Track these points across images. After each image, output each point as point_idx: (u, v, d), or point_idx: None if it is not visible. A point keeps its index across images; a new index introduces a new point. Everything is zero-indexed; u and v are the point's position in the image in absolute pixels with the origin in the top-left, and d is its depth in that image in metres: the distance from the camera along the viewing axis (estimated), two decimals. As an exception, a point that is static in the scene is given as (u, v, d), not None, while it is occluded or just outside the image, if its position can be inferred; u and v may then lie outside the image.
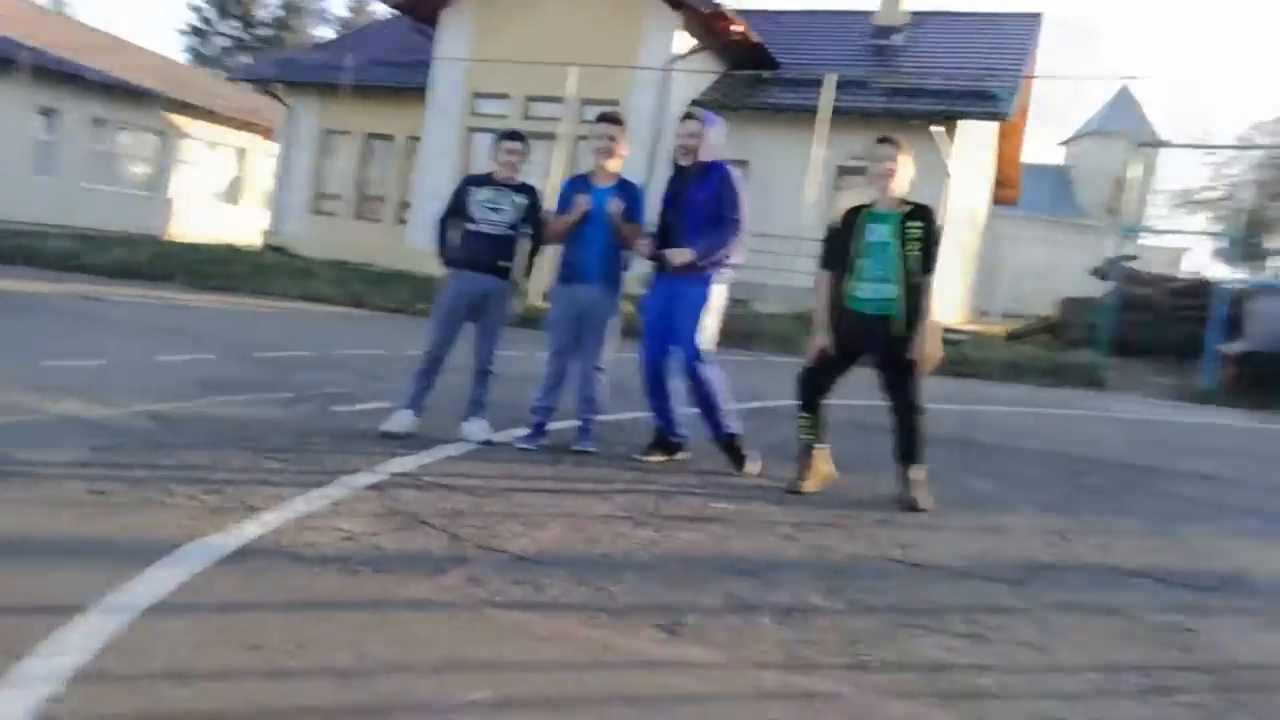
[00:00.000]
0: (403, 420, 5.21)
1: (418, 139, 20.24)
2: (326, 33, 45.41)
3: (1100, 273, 19.37)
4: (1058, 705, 2.62)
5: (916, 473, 4.77)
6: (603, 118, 5.38)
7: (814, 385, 4.92)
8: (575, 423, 5.38)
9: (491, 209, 5.30)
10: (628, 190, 5.29)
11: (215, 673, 2.35)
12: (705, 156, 5.11)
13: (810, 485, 4.81)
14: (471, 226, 5.30)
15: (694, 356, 5.04)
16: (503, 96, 18.86)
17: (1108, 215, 45.88)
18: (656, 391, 5.21)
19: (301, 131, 22.51)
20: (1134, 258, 21.20)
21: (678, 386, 5.20)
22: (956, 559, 3.93)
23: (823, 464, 4.93)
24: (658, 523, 4.02)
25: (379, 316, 13.09)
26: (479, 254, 5.28)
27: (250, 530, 3.37)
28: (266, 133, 26.27)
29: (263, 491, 3.86)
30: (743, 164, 14.92)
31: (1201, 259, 37.34)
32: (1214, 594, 3.79)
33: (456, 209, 5.37)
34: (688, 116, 5.20)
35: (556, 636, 2.76)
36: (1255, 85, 78.86)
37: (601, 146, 5.30)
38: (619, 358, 5.45)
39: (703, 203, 5.05)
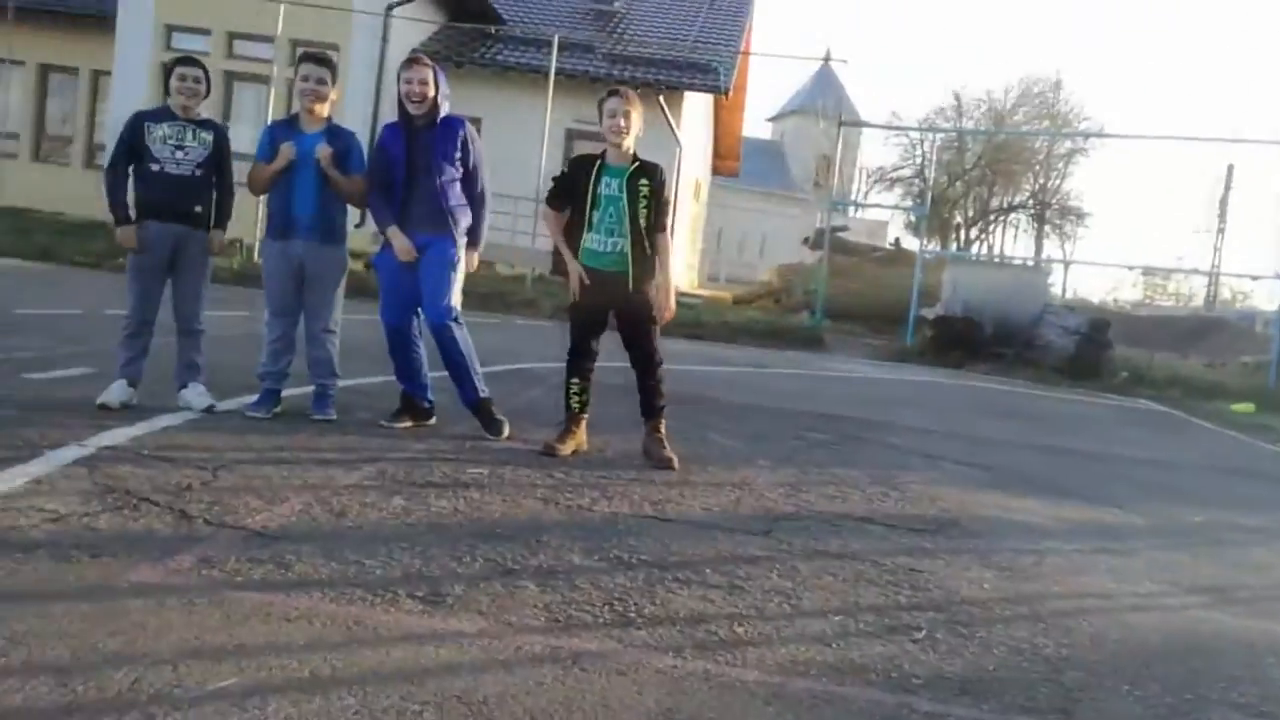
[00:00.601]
0: (118, 392, 4.67)
1: (106, 73, 18.27)
2: None
3: (812, 242, 20.77)
4: (810, 648, 2.75)
5: (661, 427, 4.87)
6: (306, 57, 4.95)
7: (583, 351, 4.89)
8: (310, 389, 5.05)
9: (175, 146, 4.71)
10: (340, 136, 4.90)
11: (-106, 686, 1.99)
12: (444, 109, 4.89)
13: (567, 449, 4.79)
14: (155, 167, 4.69)
15: (446, 317, 4.86)
16: (203, 32, 17.37)
17: (816, 189, 49.27)
18: (402, 355, 4.98)
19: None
20: (844, 228, 22.89)
21: (422, 349, 5.02)
22: (706, 512, 4.06)
23: (583, 430, 4.92)
24: (409, 490, 3.85)
25: (71, 271, 11.75)
26: (165, 199, 4.69)
27: (-69, 516, 2.90)
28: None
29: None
30: (476, 121, 14.64)
31: (899, 231, 40.97)
32: (934, 536, 4.14)
33: (132, 150, 4.72)
34: (413, 62, 4.87)
35: (306, 615, 2.56)
36: (937, 72, 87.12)
37: (307, 89, 4.85)
38: (350, 318, 5.16)
39: (448, 159, 4.84)
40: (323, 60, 4.93)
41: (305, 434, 4.64)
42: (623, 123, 4.72)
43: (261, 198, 5.28)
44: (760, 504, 4.33)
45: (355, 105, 15.82)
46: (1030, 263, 22.30)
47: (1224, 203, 39.38)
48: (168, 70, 4.84)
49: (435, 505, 3.70)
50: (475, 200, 4.98)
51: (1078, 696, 2.61)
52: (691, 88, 18.68)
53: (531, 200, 14.80)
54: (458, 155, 4.88)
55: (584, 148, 17.94)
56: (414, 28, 17.62)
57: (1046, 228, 49.35)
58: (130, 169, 4.76)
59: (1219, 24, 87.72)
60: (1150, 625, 3.32)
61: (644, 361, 4.88)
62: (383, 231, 4.90)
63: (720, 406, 7.08)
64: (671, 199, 4.83)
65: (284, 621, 2.51)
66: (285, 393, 5.00)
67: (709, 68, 18.43)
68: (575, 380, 4.90)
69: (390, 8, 16.81)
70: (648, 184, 4.74)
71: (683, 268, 22.57)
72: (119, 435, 4.12)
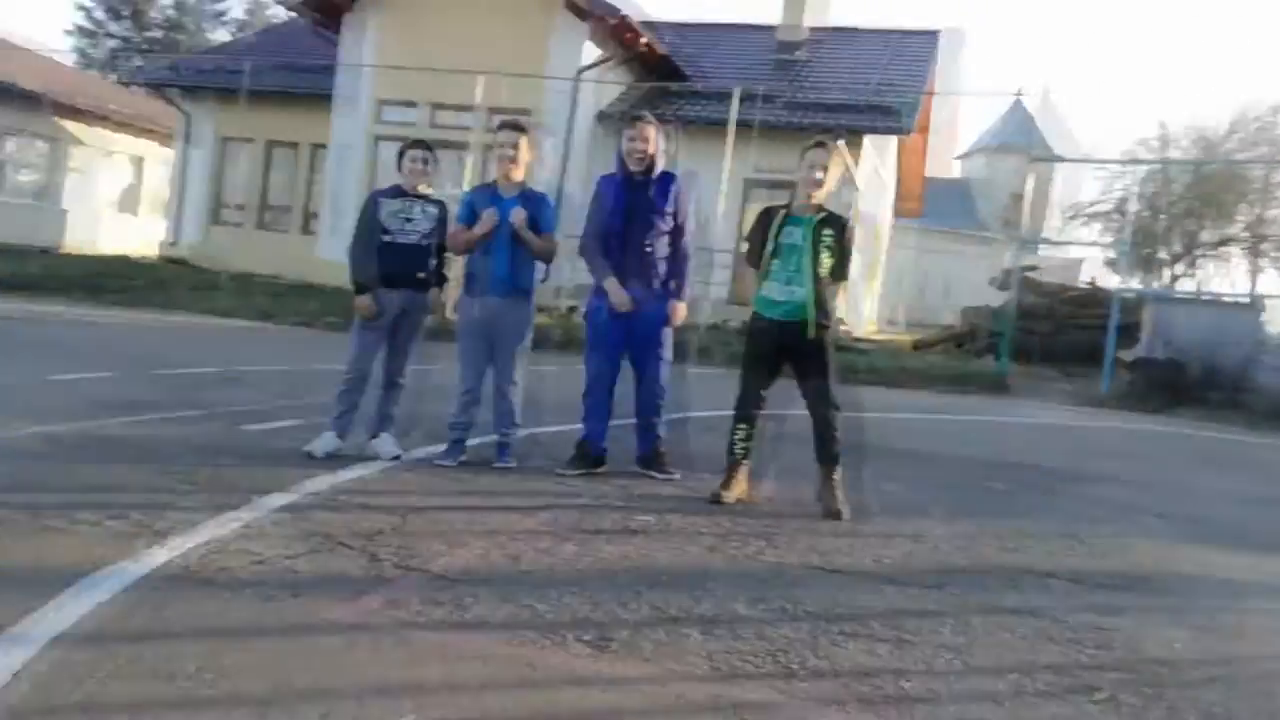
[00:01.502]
0: (327, 442, 5.07)
1: (322, 146, 19.83)
2: (222, 35, 44.12)
3: (1000, 283, 20.01)
4: (980, 707, 2.67)
5: (836, 474, 4.84)
6: (504, 124, 5.29)
7: (751, 399, 4.94)
8: (493, 438, 5.31)
9: (405, 219, 5.20)
10: (533, 200, 5.22)
11: (127, 705, 2.24)
12: (660, 164, 5.16)
13: (732, 496, 4.84)
14: (386, 238, 5.18)
15: (661, 372, 5.20)
16: (409, 104, 18.63)
17: (1006, 227, 47.48)
18: (599, 402, 5.23)
19: (199, 138, 21.82)
20: (1034, 268, 21.96)
21: (613, 399, 5.27)
22: (876, 564, 3.99)
23: (745, 477, 4.96)
24: (580, 537, 3.98)
25: (287, 331, 12.76)
26: (396, 266, 5.15)
27: (159, 556, 3.23)
28: (164, 139, 25.37)
29: (170, 515, 3.70)
30: (691, 174, 14.85)
31: (1097, 269, 38.86)
32: (1124, 593, 3.92)
33: (371, 225, 5.21)
34: (637, 120, 5.18)
35: (481, 655, 2.71)
36: (1139, 102, 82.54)
37: (504, 155, 5.20)
38: (537, 370, 5.41)
39: (662, 214, 5.12)
40: (517, 126, 5.27)
41: (486, 481, 4.88)
42: (819, 175, 4.78)
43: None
44: (934, 557, 4.22)
45: (545, 165, 16.52)
46: (1243, 299, 20.67)
47: None
48: (400, 152, 5.34)
49: (604, 551, 3.82)
50: (679, 252, 5.22)
51: (1277, 771, 2.42)
52: (872, 130, 18.52)
53: (708, 250, 14.99)
54: (670, 209, 5.13)
55: (760, 196, 18.16)
56: (602, 89, 18.29)
57: (1263, 261, 45.64)
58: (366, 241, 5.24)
59: None
60: (1368, 696, 3.03)
61: (822, 408, 4.86)
62: (600, 282, 5.18)
63: (895, 454, 6.92)
64: (852, 248, 4.85)
65: (461, 661, 2.66)
66: (470, 442, 5.28)
67: (890, 109, 18.22)
68: (741, 426, 4.94)
69: (581, 71, 17.54)
70: (831, 234, 4.77)
71: (861, 312, 22.22)
72: (320, 483, 4.46)
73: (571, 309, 5.57)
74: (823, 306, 4.77)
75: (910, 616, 3.37)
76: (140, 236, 24.60)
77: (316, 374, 8.53)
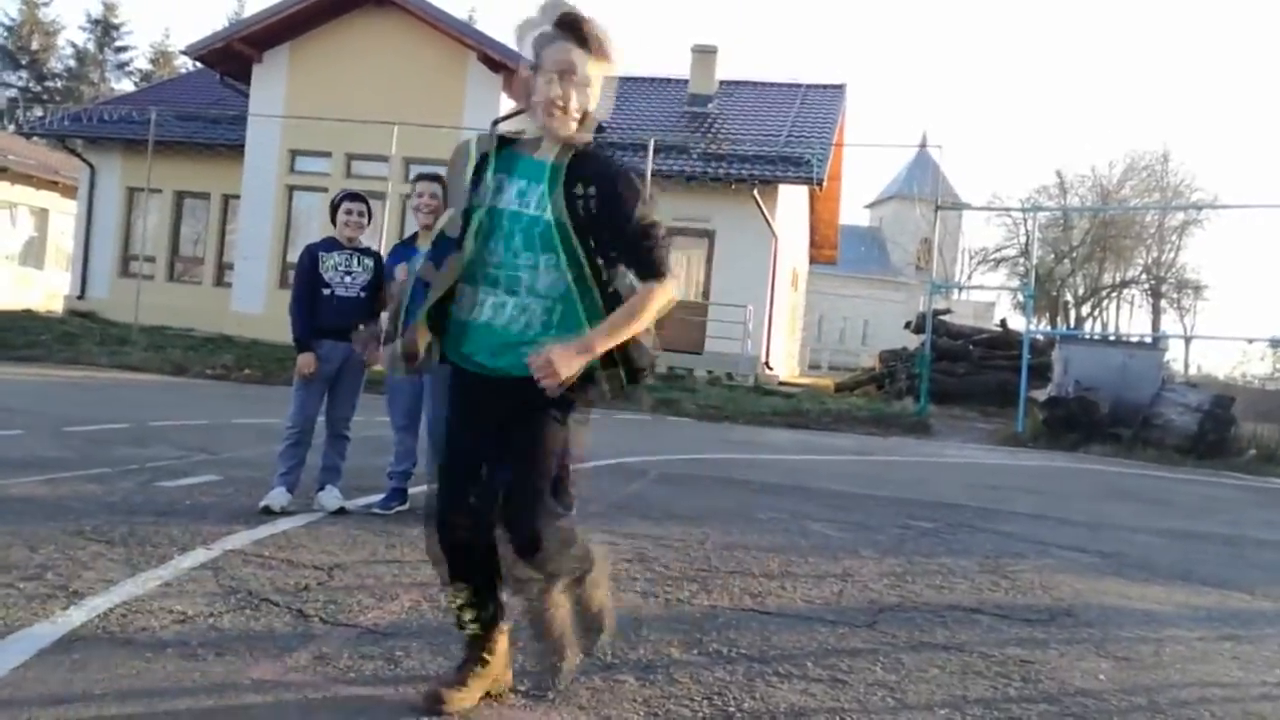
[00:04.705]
0: (279, 497, 4.97)
1: (234, 196, 19.54)
2: (126, 85, 43.26)
3: (915, 326, 20.53)
4: (915, 742, 2.71)
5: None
6: (421, 177, 5.30)
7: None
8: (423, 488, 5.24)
9: (345, 273, 5.18)
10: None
11: (41, 777, 2.14)
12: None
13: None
14: (326, 292, 5.15)
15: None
16: (324, 154, 18.50)
17: (918, 272, 48.80)
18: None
19: (105, 189, 21.30)
20: (947, 311, 22.58)
21: None
22: (808, 604, 4.03)
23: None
24: (513, 586, 3.93)
25: (202, 385, 12.43)
26: (337, 320, 5.08)
27: (76, 617, 3.11)
28: (67, 191, 24.69)
29: (86, 575, 3.57)
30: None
31: (1007, 311, 40.12)
32: (1046, 626, 4.01)
33: (310, 279, 5.17)
34: (423, 178, 5.22)
35: (414, 710, 2.65)
36: (1038, 150, 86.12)
37: (422, 205, 5.19)
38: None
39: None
40: (436, 178, 5.25)
41: (416, 532, 4.79)
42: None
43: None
44: (864, 595, 4.28)
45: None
46: (1146, 339, 21.56)
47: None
48: (334, 205, 5.32)
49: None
50: None
51: (1200, 793, 2.50)
52: (785, 180, 18.99)
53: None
54: None
55: (681, 244, 18.40)
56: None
57: (1163, 302, 47.73)
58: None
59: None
60: (1278, 715, 3.16)
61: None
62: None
63: (821, 495, 7.01)
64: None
65: (394, 717, 2.60)
66: (412, 490, 5.22)
67: (802, 160, 18.72)
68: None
69: (495, 123, 17.61)
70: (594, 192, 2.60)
71: (782, 356, 22.56)
72: (242, 539, 4.34)
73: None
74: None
75: (844, 655, 3.40)
76: (44, 290, 23.85)
77: (235, 428, 8.33)
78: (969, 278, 48.43)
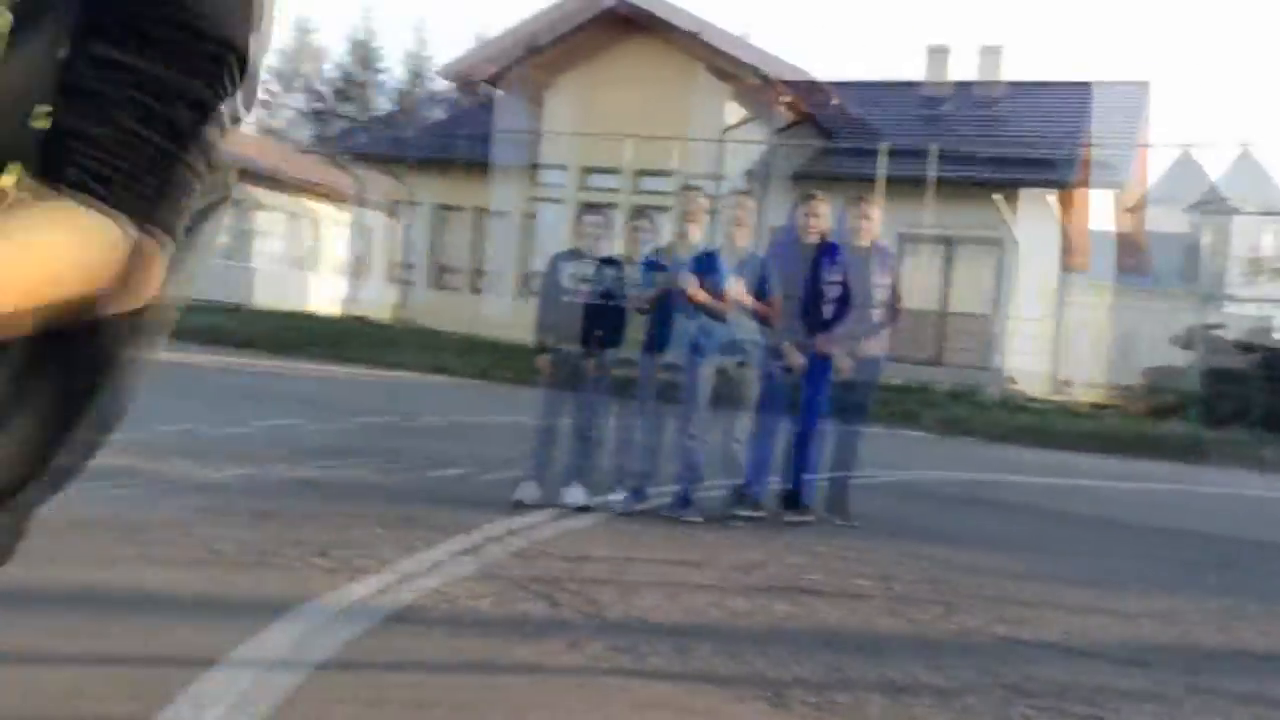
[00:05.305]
0: (531, 490, 5.26)
1: (485, 211, 20.60)
2: (384, 104, 45.62)
3: (1182, 341, 18.89)
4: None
5: None
6: (735, 193, 5.80)
7: None
8: (675, 489, 5.45)
9: (582, 280, 5.44)
10: (756, 263, 5.49)
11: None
12: (877, 240, 5.70)
13: None
14: (566, 298, 5.44)
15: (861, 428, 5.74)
16: (611, 171, 19.06)
17: (1183, 282, 44.79)
18: (766, 455, 5.53)
19: (420, 208, 22.72)
20: (1221, 325, 20.65)
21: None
22: (1121, 645, 3.76)
23: None
24: (798, 597, 3.97)
25: (507, 389, 12.95)
26: (575, 324, 5.38)
27: (356, 591, 3.41)
28: (341, 200, 26.83)
29: (365, 555, 3.89)
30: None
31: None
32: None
33: (552, 287, 5.51)
34: (813, 197, 5.65)
35: (661, 704, 2.72)
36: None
37: (734, 220, 5.57)
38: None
39: (882, 286, 5.59)
40: (748, 194, 5.65)
41: (660, 530, 4.96)
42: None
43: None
44: (1185, 639, 3.95)
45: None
46: None
47: None
48: (579, 215, 5.67)
49: (822, 613, 3.79)
50: (846, 314, 5.59)
51: None
52: (1085, 185, 18.03)
53: (861, 308, 14.77)
54: (836, 278, 5.55)
55: (921, 251, 17.81)
56: (796, 152, 18.48)
57: None
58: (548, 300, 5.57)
59: None
60: None
61: None
62: (777, 344, 5.50)
63: (1129, 529, 6.51)
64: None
65: (642, 709, 2.68)
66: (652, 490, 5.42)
67: (1105, 164, 17.68)
68: None
69: (777, 132, 17.83)
70: None
71: (1030, 376, 21.37)
72: (499, 528, 4.60)
73: (741, 364, 5.69)
74: None
75: (1161, 703, 3.15)
76: (318, 294, 26.08)
77: (501, 426, 8.83)
78: (1241, 289, 44.01)
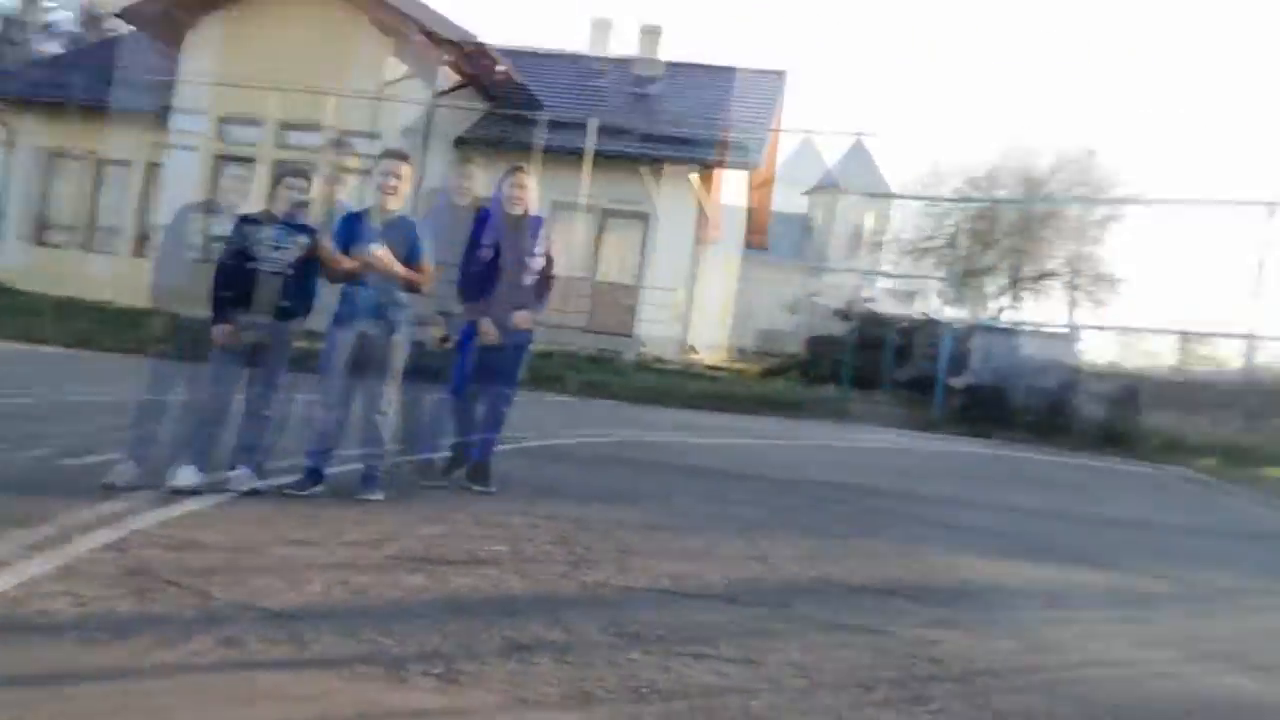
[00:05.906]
0: (188, 475, 4.77)
1: (157, 165, 18.84)
2: (53, 48, 41.29)
3: (842, 314, 20.82)
4: (822, 723, 2.75)
5: None
6: (388, 153, 5.31)
7: None
8: (356, 468, 5.15)
9: (274, 247, 4.98)
10: (402, 227, 5.12)
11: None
12: (533, 210, 5.56)
13: None
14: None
15: (512, 395, 5.58)
16: (254, 123, 17.83)
17: (847, 262, 49.44)
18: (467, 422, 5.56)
19: (20, 153, 20.36)
20: (873, 299, 22.94)
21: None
22: (724, 586, 4.06)
23: None
24: (429, 568, 3.90)
25: (111, 358, 12.01)
26: (262, 294, 4.92)
27: (-36, 600, 2.99)
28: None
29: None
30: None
31: (932, 302, 40.88)
32: (954, 607, 4.11)
33: (238, 252, 4.96)
34: (519, 169, 5.59)
35: (318, 695, 2.59)
36: (973, 141, 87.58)
37: (386, 184, 5.12)
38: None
39: (537, 256, 5.52)
40: (402, 156, 5.29)
41: (332, 512, 4.71)
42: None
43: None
44: (779, 576, 4.33)
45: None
46: (1059, 329, 22.19)
47: (1262, 265, 38.96)
48: (276, 178, 5.18)
49: (454, 582, 3.74)
50: (544, 284, 5.67)
51: (1093, 769, 2.58)
52: (723, 165, 19.05)
53: (565, 278, 15.05)
54: (540, 250, 5.55)
55: (616, 225, 18.37)
56: (458, 115, 18.14)
57: (1079, 294, 49.03)
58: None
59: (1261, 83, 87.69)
60: (1169, 693, 3.29)
61: None
62: (472, 317, 5.46)
63: (740, 479, 7.08)
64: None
65: (297, 701, 2.55)
66: (329, 471, 5.09)
67: (741, 145, 18.77)
68: None
69: (440, 94, 17.34)
70: None
71: (711, 342, 22.67)
72: (149, 519, 4.20)
73: (444, 339, 5.54)
74: None
75: (757, 636, 3.43)
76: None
77: (99, 403, 8.06)
78: (896, 267, 49.14)
